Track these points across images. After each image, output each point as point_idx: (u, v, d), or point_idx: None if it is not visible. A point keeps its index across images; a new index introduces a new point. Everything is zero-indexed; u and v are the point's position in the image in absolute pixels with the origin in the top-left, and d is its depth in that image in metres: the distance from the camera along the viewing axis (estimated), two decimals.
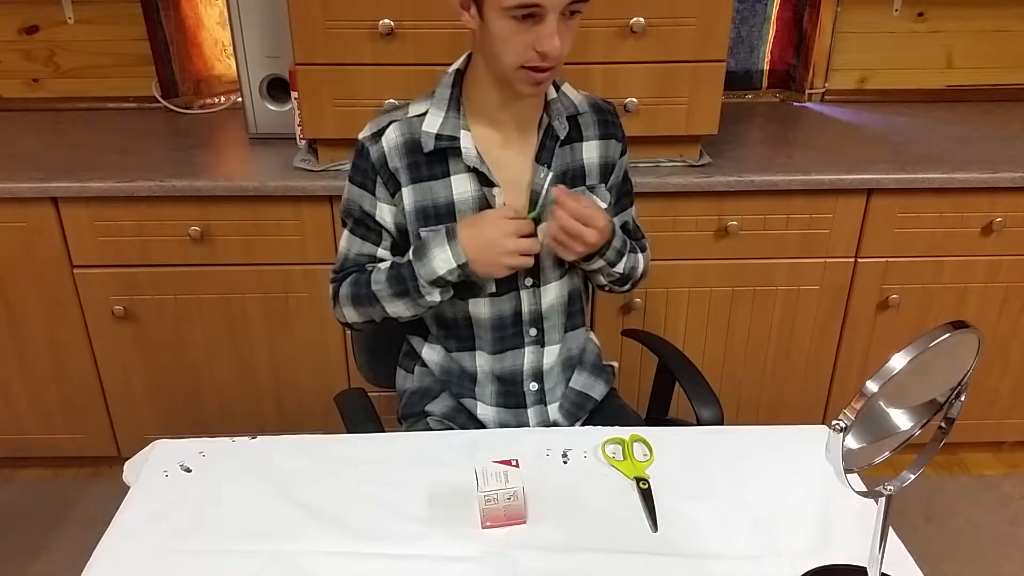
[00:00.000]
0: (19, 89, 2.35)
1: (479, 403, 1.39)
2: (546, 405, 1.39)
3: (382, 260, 1.32)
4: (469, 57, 1.26)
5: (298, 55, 1.76)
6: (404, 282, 1.25)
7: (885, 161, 1.96)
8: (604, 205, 1.35)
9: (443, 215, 1.27)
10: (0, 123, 2.26)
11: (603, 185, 1.35)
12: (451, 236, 1.21)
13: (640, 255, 1.42)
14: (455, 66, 1.27)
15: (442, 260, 1.21)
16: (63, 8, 2.26)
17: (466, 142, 1.24)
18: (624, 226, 1.43)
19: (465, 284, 1.27)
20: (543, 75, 1.15)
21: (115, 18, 2.27)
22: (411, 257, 1.24)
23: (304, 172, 1.88)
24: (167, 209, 1.87)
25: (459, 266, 1.21)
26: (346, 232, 1.34)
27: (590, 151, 1.33)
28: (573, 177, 1.31)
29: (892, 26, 2.37)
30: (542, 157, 1.27)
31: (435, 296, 1.25)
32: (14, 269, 1.94)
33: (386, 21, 1.71)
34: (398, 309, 1.28)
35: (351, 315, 1.35)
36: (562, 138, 1.28)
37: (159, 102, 2.33)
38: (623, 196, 1.41)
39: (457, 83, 1.26)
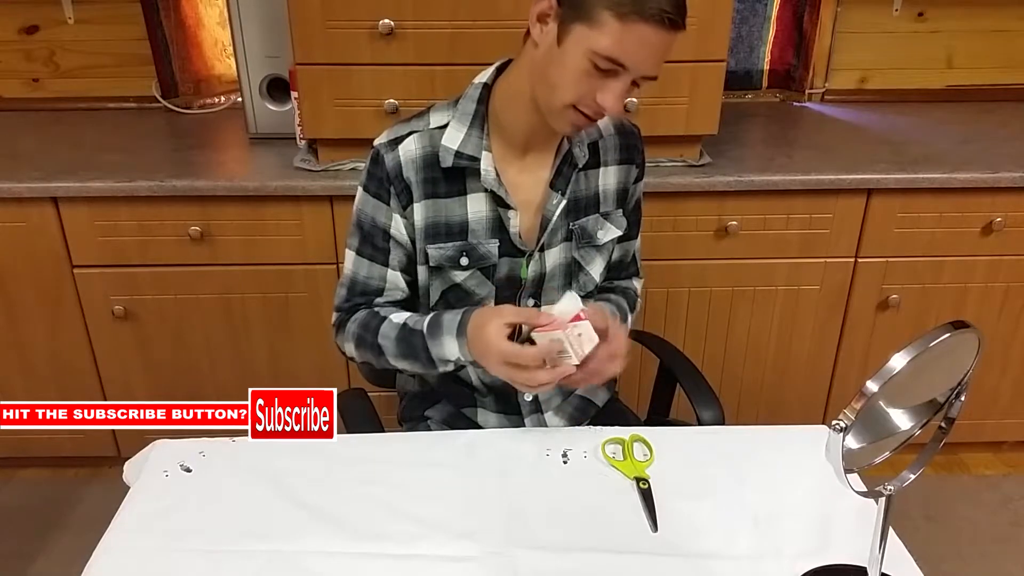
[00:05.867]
0: (19, 89, 2.35)
1: (479, 410, 1.38)
2: (542, 413, 1.38)
3: (394, 283, 1.28)
4: (497, 70, 1.22)
5: (298, 55, 1.76)
6: (416, 351, 1.21)
7: (885, 161, 1.96)
8: (620, 232, 1.33)
9: (455, 233, 1.24)
10: (0, 123, 2.26)
11: (620, 211, 1.33)
12: (462, 330, 1.17)
13: (631, 314, 1.41)
14: (481, 79, 1.22)
15: (451, 349, 1.18)
16: (63, 8, 2.26)
17: (486, 163, 1.20)
18: (622, 258, 1.41)
19: None
20: (589, 124, 1.13)
21: (115, 18, 2.27)
22: (424, 332, 1.20)
23: (304, 172, 1.88)
24: (167, 209, 1.87)
25: (467, 361, 1.18)
26: (351, 253, 1.28)
27: (608, 177, 1.31)
28: (586, 205, 1.29)
29: (892, 26, 2.37)
30: (557, 184, 1.24)
31: (448, 367, 1.21)
32: (14, 269, 1.94)
33: (386, 21, 1.71)
34: (405, 365, 1.25)
35: (351, 352, 1.31)
36: (581, 166, 1.26)
37: (159, 102, 2.33)
38: (631, 225, 1.37)
39: (483, 99, 1.21)
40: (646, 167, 1.38)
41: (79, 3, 2.26)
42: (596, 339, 1.11)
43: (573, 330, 1.10)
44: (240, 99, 2.10)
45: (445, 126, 1.21)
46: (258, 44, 2.00)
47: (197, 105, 2.37)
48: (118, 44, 2.31)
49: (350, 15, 1.71)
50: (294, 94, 1.94)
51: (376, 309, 1.29)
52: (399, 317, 1.26)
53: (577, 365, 1.11)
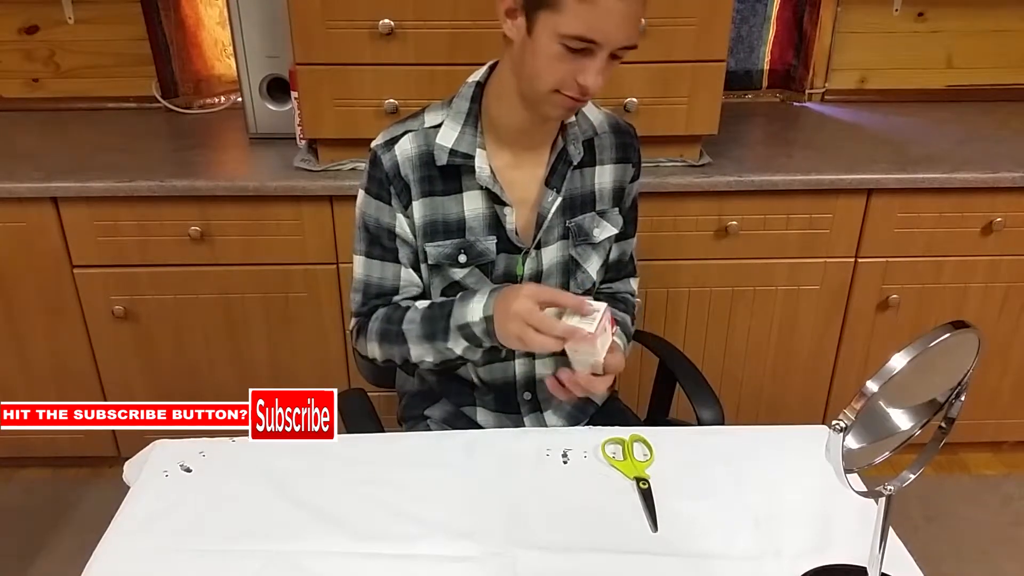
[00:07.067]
0: (19, 89, 2.35)
1: (479, 409, 1.38)
2: (542, 412, 1.38)
3: (408, 280, 1.28)
4: (490, 69, 1.23)
5: (298, 55, 1.76)
6: (436, 322, 1.20)
7: (885, 161, 1.96)
8: (616, 231, 1.33)
9: (453, 231, 1.24)
10: (0, 123, 2.26)
11: (615, 210, 1.33)
12: (495, 291, 1.17)
13: (629, 319, 1.41)
14: (475, 78, 1.23)
15: (477, 307, 1.16)
16: (63, 8, 2.26)
17: (480, 161, 1.21)
18: (620, 258, 1.41)
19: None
20: (576, 104, 1.13)
21: (115, 18, 2.27)
22: (457, 298, 1.20)
23: (304, 172, 1.88)
24: (167, 209, 1.87)
25: (484, 318, 1.15)
26: (361, 258, 1.28)
27: (603, 176, 1.31)
28: (582, 203, 1.29)
29: (892, 26, 2.37)
30: (552, 181, 1.25)
31: (458, 345, 1.19)
32: (14, 269, 1.94)
33: (386, 21, 1.71)
34: (421, 352, 1.23)
35: (375, 351, 1.29)
36: (575, 163, 1.26)
37: (159, 102, 2.33)
38: (627, 224, 1.37)
39: (476, 97, 1.22)
40: (644, 167, 1.38)
41: (79, 3, 2.26)
42: (602, 358, 1.12)
43: (608, 317, 1.10)
44: (240, 99, 2.10)
45: (439, 125, 1.22)
46: (258, 44, 2.00)
47: (197, 105, 2.37)
48: (118, 44, 2.31)
49: (350, 15, 1.71)
50: (294, 94, 1.94)
51: (396, 304, 1.29)
52: (425, 302, 1.27)
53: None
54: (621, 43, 1.07)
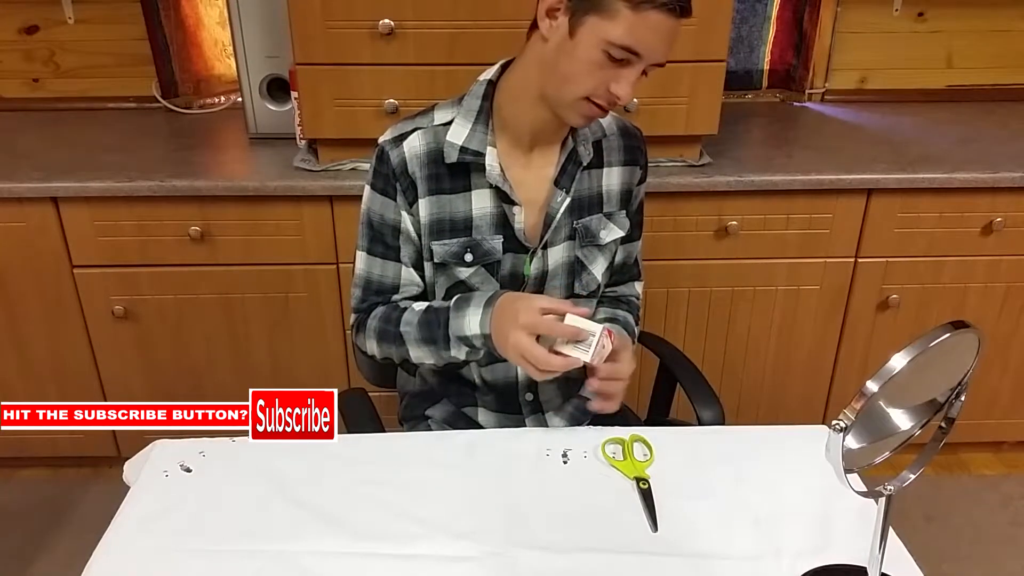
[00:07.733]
0: (19, 89, 2.35)
1: (480, 409, 1.38)
2: (543, 413, 1.38)
3: (408, 279, 1.28)
4: (502, 68, 1.22)
5: (298, 55, 1.76)
6: (434, 329, 1.21)
7: (885, 161, 1.96)
8: (622, 233, 1.34)
9: (459, 230, 1.24)
10: (0, 123, 2.26)
11: (623, 212, 1.33)
12: (491, 301, 1.17)
13: (632, 318, 1.42)
14: (486, 76, 1.23)
15: (473, 321, 1.17)
16: (63, 8, 2.26)
17: (491, 159, 1.20)
18: (625, 260, 1.41)
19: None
20: (600, 114, 1.14)
21: (115, 18, 2.27)
22: (451, 306, 1.20)
23: (304, 172, 1.88)
24: (167, 209, 1.87)
25: (482, 335, 1.16)
26: (363, 254, 1.28)
27: (611, 177, 1.31)
28: (590, 204, 1.29)
29: (892, 26, 2.37)
30: (561, 181, 1.25)
31: (460, 352, 1.20)
32: (14, 269, 1.94)
33: (386, 21, 1.71)
34: (421, 355, 1.24)
35: (373, 349, 1.29)
36: (585, 164, 1.26)
37: (159, 102, 2.33)
38: (633, 227, 1.38)
39: (488, 95, 1.22)
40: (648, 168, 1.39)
41: (79, 3, 2.26)
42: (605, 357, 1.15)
43: (604, 335, 1.12)
44: (240, 99, 2.10)
45: (449, 123, 1.22)
46: (258, 44, 2.00)
47: (197, 105, 2.37)
48: (118, 44, 2.31)
49: (350, 15, 1.71)
50: (294, 94, 1.94)
51: (395, 303, 1.29)
52: (422, 304, 1.26)
53: (584, 367, 1.14)
54: (659, 59, 1.09)
